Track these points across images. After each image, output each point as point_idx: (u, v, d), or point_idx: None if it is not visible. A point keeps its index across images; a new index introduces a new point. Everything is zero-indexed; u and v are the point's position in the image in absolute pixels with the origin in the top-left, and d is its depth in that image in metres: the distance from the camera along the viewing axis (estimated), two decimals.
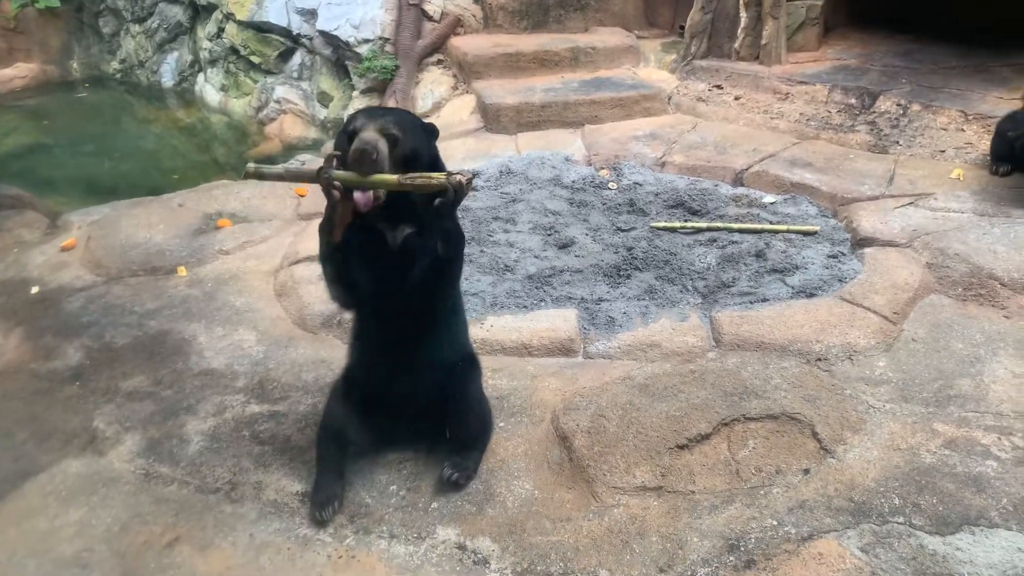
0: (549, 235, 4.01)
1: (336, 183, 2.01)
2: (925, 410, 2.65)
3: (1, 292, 3.59)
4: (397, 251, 2.17)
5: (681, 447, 2.46)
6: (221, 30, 7.39)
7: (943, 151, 4.58)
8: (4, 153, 6.59)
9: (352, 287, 2.21)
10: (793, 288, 3.41)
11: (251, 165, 2.07)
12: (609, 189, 4.52)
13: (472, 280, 3.53)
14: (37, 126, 7.25)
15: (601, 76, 5.90)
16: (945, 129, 4.71)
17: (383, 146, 2.02)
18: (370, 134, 2.02)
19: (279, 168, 2.10)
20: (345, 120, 2.22)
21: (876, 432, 2.54)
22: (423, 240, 2.15)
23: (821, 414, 2.57)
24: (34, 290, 3.61)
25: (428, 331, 2.33)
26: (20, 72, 8.10)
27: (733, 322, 3.10)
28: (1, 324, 3.33)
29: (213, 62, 7.58)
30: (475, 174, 2.02)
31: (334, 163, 2.03)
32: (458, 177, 1.99)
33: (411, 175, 2.01)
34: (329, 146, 5.49)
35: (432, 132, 2.22)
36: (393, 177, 2.00)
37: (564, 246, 3.90)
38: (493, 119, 5.45)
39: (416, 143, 2.11)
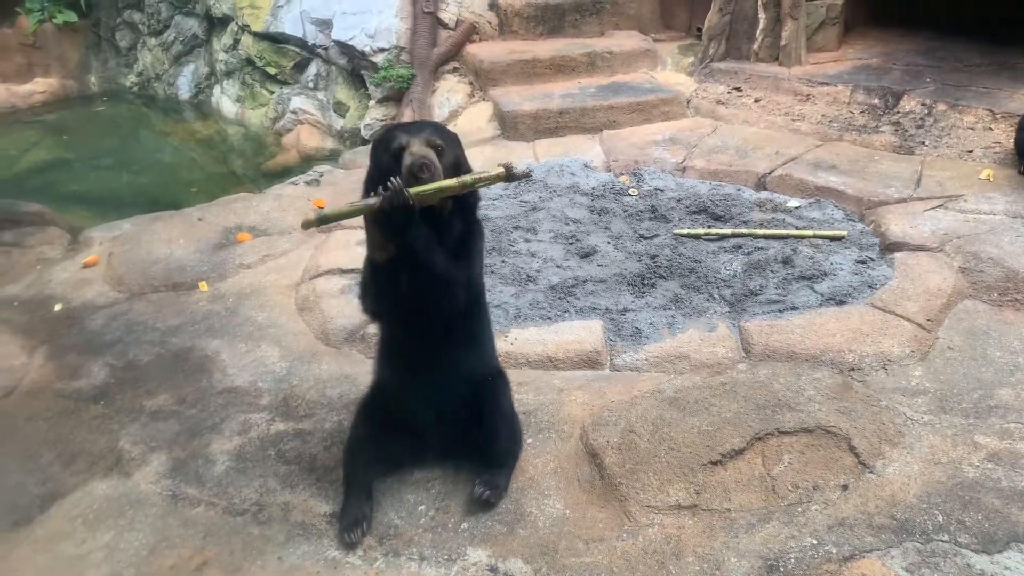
0: (571, 244, 3.97)
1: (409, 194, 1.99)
2: (965, 422, 2.57)
3: (25, 310, 3.60)
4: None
5: (715, 463, 2.40)
6: (237, 42, 7.41)
7: (971, 151, 4.49)
8: (25, 169, 6.65)
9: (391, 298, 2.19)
10: (822, 295, 3.34)
11: (310, 215, 2.04)
12: (630, 195, 4.47)
13: (495, 291, 3.49)
14: (57, 141, 7.30)
15: (618, 80, 5.85)
16: (972, 128, 4.61)
17: (433, 156, 2.08)
18: (419, 147, 2.08)
19: (344, 207, 2.08)
20: (376, 139, 2.23)
21: (915, 445, 2.47)
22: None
23: (858, 427, 2.50)
24: (57, 307, 3.61)
25: (456, 345, 2.30)
26: (39, 87, 8.18)
27: (763, 332, 3.04)
28: (25, 342, 3.33)
29: (229, 74, 7.61)
30: (529, 172, 2.16)
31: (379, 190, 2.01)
32: (512, 165, 2.07)
33: (472, 175, 2.08)
34: (347, 156, 5.49)
35: (458, 141, 2.28)
36: (453, 181, 2.05)
37: (586, 255, 3.85)
38: (510, 126, 5.41)
39: (457, 149, 2.20)
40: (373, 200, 1.99)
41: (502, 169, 2.06)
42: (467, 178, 2.05)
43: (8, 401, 2.97)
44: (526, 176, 2.10)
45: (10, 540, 2.32)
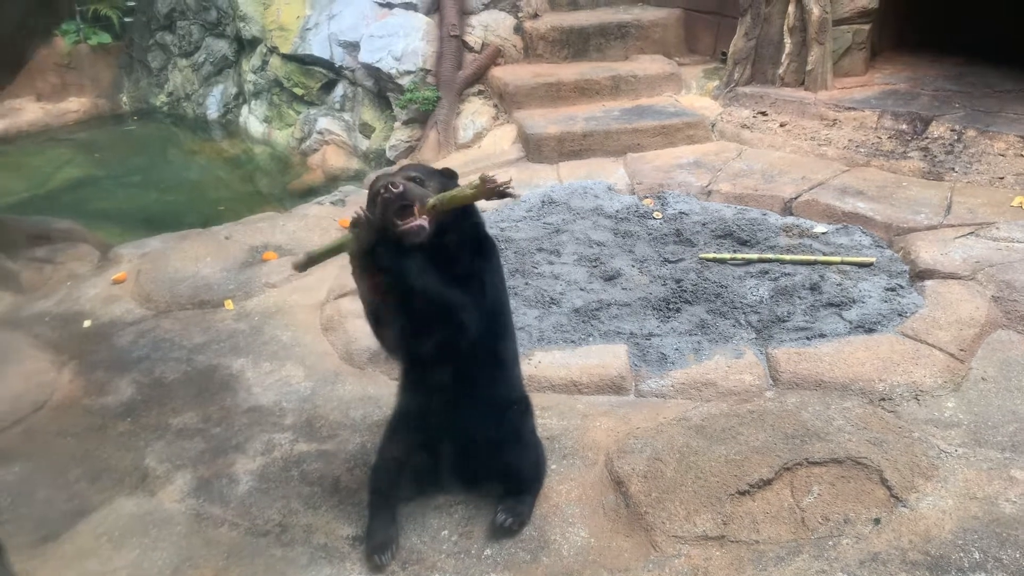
0: (595, 267, 3.96)
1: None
2: (1001, 455, 2.51)
3: (55, 325, 3.65)
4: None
5: (742, 493, 2.37)
6: (265, 63, 7.54)
7: (1002, 178, 4.43)
8: (58, 186, 6.78)
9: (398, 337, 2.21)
10: (851, 323, 3.29)
11: (296, 262, 2.13)
12: (654, 219, 4.46)
13: (518, 313, 3.49)
14: (89, 159, 7.45)
15: (643, 104, 5.86)
16: (1003, 155, 4.56)
17: (412, 184, 2.05)
18: (396, 180, 2.05)
19: (328, 244, 2.13)
20: (370, 186, 2.21)
21: (950, 479, 2.41)
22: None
23: (889, 459, 2.45)
24: (86, 324, 3.66)
25: (478, 372, 2.28)
26: (73, 106, 8.37)
27: (791, 359, 3.00)
28: (55, 358, 3.38)
29: (257, 94, 7.73)
30: (509, 181, 2.00)
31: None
32: (492, 175, 1.95)
33: (444, 193, 2.01)
34: (372, 177, 5.54)
35: (452, 176, 2.23)
36: (428, 201, 1.99)
37: (610, 278, 3.83)
38: (534, 149, 5.43)
39: (439, 182, 2.14)
40: (351, 233, 2.02)
41: (478, 184, 1.91)
42: (437, 199, 1.97)
43: (38, 416, 3.00)
44: (507, 191, 1.94)
45: (39, 555, 2.33)
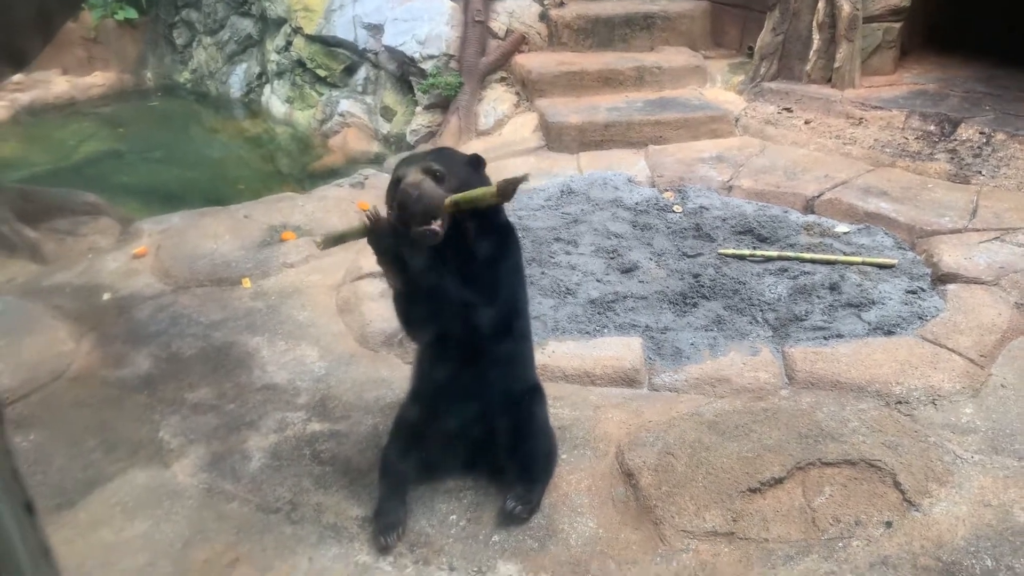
0: (612, 258, 3.94)
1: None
2: (1018, 464, 2.48)
3: (76, 297, 3.69)
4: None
5: (753, 491, 2.35)
6: (289, 43, 7.55)
7: None
8: (81, 159, 6.85)
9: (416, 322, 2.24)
10: (870, 324, 3.26)
11: (318, 240, 2.22)
12: (674, 212, 4.42)
13: (534, 303, 3.48)
14: (112, 133, 7.52)
15: (666, 96, 5.81)
16: None
17: (428, 184, 2.02)
18: (413, 176, 2.03)
19: (345, 229, 2.21)
20: (392, 170, 2.21)
21: (964, 485, 2.39)
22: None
23: (903, 462, 2.43)
24: (106, 296, 3.69)
25: (492, 360, 2.29)
26: (98, 80, 8.44)
27: (807, 359, 2.97)
28: (74, 329, 3.41)
29: (280, 74, 7.75)
30: (525, 177, 1.98)
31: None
32: (505, 181, 1.96)
33: (461, 194, 2.01)
34: (391, 161, 5.55)
35: (478, 164, 2.20)
36: (446, 201, 2.00)
37: (627, 270, 3.82)
38: (555, 137, 5.40)
39: (462, 175, 2.11)
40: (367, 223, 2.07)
41: (492, 190, 1.95)
42: (453, 199, 1.98)
43: (56, 385, 3.04)
44: (522, 180, 1.95)
45: (54, 522, 2.36)
